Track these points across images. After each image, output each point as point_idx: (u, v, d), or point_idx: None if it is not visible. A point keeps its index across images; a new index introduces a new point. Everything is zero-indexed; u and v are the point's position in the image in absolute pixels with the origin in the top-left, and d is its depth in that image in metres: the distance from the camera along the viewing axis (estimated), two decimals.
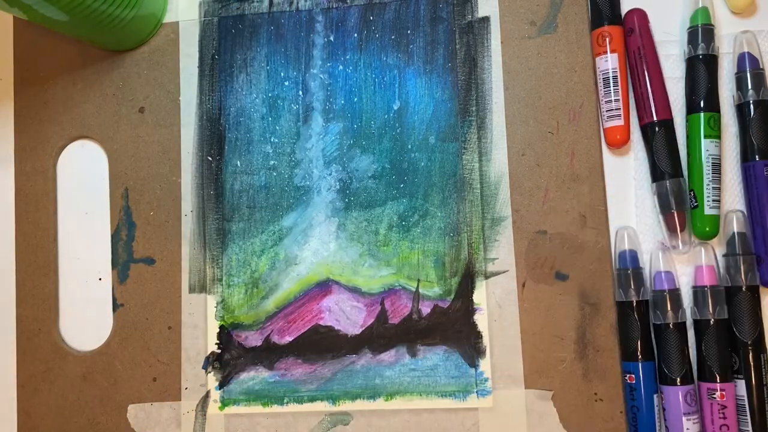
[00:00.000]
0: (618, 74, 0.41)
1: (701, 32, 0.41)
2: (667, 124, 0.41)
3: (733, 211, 0.41)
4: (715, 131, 0.40)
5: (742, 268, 0.39)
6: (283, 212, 0.43)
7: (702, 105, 0.40)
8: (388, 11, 0.43)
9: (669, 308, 0.39)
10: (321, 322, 0.42)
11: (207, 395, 0.42)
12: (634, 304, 0.40)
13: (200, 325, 0.43)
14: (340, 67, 0.43)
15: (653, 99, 0.41)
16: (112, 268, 0.44)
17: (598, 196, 0.41)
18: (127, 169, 0.44)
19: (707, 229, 0.40)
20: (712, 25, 0.41)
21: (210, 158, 0.44)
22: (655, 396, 0.39)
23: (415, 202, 0.42)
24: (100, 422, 0.43)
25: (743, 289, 0.39)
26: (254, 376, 0.42)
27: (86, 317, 0.44)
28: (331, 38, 0.44)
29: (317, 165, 0.43)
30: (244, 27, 0.44)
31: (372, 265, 0.42)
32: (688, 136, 0.41)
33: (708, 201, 0.40)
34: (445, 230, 0.42)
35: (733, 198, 0.41)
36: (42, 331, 0.44)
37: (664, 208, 0.40)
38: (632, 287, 0.40)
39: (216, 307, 0.43)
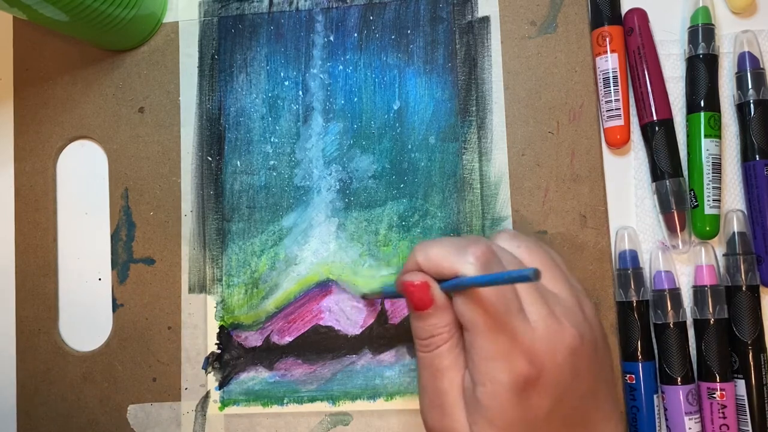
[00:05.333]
0: (618, 74, 0.41)
1: (701, 32, 0.41)
2: (667, 123, 0.41)
3: (734, 211, 0.41)
4: (715, 131, 0.40)
5: (742, 267, 0.39)
6: (283, 212, 0.43)
7: (702, 104, 0.40)
8: (388, 11, 0.43)
9: (669, 308, 0.39)
10: (321, 323, 0.42)
11: (207, 395, 0.42)
12: (634, 304, 0.40)
13: (200, 325, 0.43)
14: (340, 67, 0.43)
15: (653, 99, 0.41)
16: (112, 269, 0.44)
17: (598, 196, 0.41)
18: (127, 169, 0.44)
19: (707, 228, 0.40)
20: (713, 25, 0.41)
21: (210, 158, 0.44)
22: (655, 396, 0.39)
23: (415, 202, 0.42)
24: (100, 422, 0.43)
25: (743, 288, 0.39)
26: (254, 377, 0.42)
27: (86, 317, 0.44)
28: (331, 38, 0.44)
29: (317, 165, 0.43)
30: (243, 27, 0.44)
31: (372, 266, 0.42)
32: (688, 136, 0.41)
33: (708, 201, 0.40)
34: (445, 230, 0.42)
35: (733, 198, 0.41)
36: (42, 331, 0.44)
37: (664, 208, 0.40)
38: (632, 287, 0.40)
39: (216, 307, 0.43)
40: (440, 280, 0.30)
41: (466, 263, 0.28)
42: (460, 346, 0.30)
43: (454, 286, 0.28)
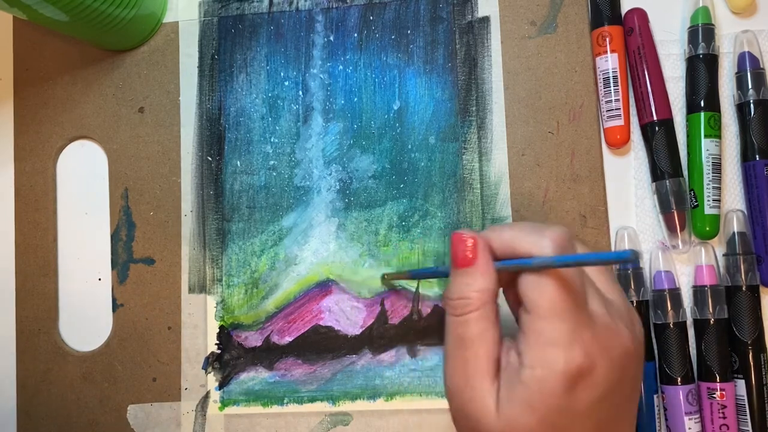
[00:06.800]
0: (618, 74, 0.41)
1: (701, 32, 0.41)
2: (667, 123, 0.41)
3: (733, 211, 0.41)
4: (715, 131, 0.40)
5: (742, 267, 0.39)
6: (283, 212, 0.43)
7: (702, 104, 0.40)
8: (388, 11, 0.43)
9: (669, 308, 0.39)
10: (321, 323, 0.42)
11: (207, 395, 0.42)
12: (634, 304, 0.40)
13: (200, 325, 0.43)
14: (340, 67, 0.43)
15: (653, 99, 0.41)
16: (112, 269, 0.44)
17: (598, 196, 0.41)
18: (127, 169, 0.44)
19: (707, 228, 0.40)
20: (713, 25, 0.41)
21: (210, 158, 0.44)
22: (655, 396, 0.39)
23: (415, 202, 0.42)
24: (100, 422, 0.43)
25: (743, 288, 0.39)
26: (254, 377, 0.42)
27: (86, 317, 0.44)
28: (331, 38, 0.44)
29: (317, 165, 0.43)
30: (244, 27, 0.44)
31: (372, 265, 0.42)
32: (688, 136, 0.41)
33: (708, 201, 0.40)
34: (445, 230, 0.41)
35: (733, 198, 0.41)
36: (42, 331, 0.44)
37: (664, 208, 0.40)
38: (632, 287, 0.40)
39: (216, 307, 0.43)
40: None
41: (542, 243, 0.28)
42: (490, 320, 0.29)
43: (537, 264, 0.27)
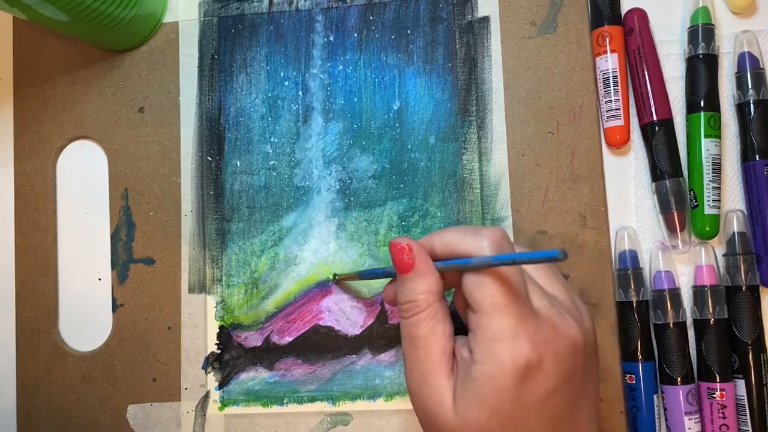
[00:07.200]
0: (618, 74, 0.41)
1: (701, 32, 0.41)
2: (667, 123, 0.41)
3: (733, 211, 0.41)
4: (715, 131, 0.40)
5: (742, 267, 0.39)
6: (283, 212, 0.43)
7: (702, 104, 0.40)
8: (388, 11, 0.43)
9: (669, 308, 0.39)
10: (321, 323, 0.42)
11: (207, 395, 0.42)
12: (634, 304, 0.40)
13: (200, 325, 0.43)
14: (340, 67, 0.43)
15: (653, 99, 0.41)
16: (112, 269, 0.44)
17: (598, 196, 0.41)
18: (126, 169, 0.44)
19: (707, 228, 0.40)
20: (713, 25, 0.41)
21: (210, 158, 0.44)
22: (655, 396, 0.39)
23: (415, 202, 0.42)
24: (100, 422, 0.43)
25: (743, 288, 0.39)
26: (254, 377, 0.42)
27: (86, 317, 0.44)
28: (331, 38, 0.44)
29: (317, 165, 0.43)
30: (243, 27, 0.44)
31: (372, 265, 0.42)
32: (688, 136, 0.41)
33: (708, 201, 0.40)
34: None
35: (733, 198, 0.41)
36: (42, 331, 0.44)
37: (664, 208, 0.40)
38: (632, 287, 0.40)
39: (216, 307, 0.43)
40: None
41: (480, 244, 0.29)
42: (438, 318, 0.30)
43: (475, 263, 0.28)
